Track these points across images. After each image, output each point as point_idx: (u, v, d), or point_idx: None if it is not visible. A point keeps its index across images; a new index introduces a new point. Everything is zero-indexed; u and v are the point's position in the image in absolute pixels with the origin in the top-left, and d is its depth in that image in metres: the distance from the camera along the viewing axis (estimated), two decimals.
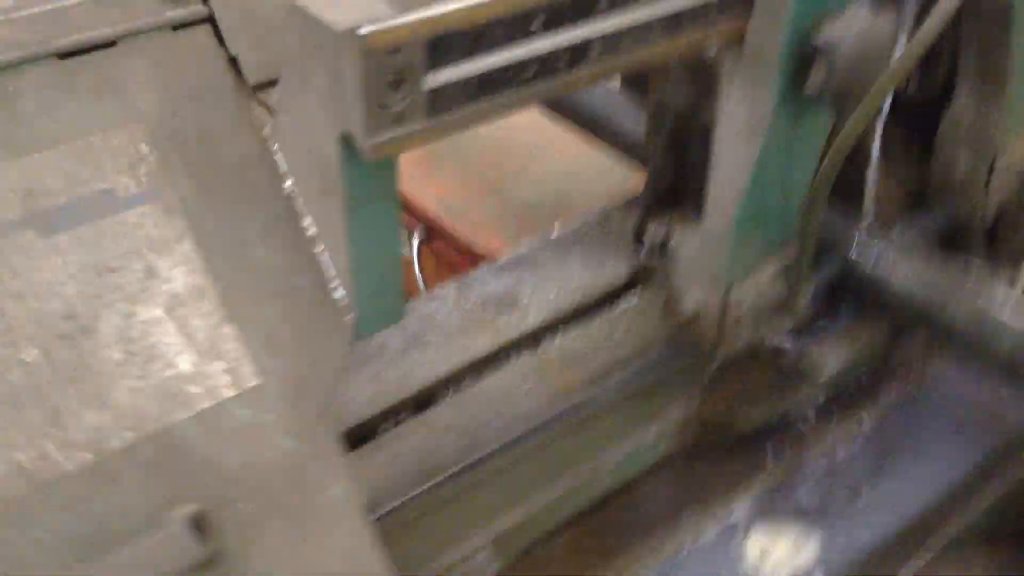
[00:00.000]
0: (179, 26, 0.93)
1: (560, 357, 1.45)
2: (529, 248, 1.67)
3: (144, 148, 0.90)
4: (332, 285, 0.98)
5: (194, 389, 0.88)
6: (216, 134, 0.94)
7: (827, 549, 1.52)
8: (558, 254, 1.64)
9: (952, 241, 1.50)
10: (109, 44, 0.89)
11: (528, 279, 1.58)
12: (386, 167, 0.91)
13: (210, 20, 0.94)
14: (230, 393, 0.89)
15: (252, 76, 0.96)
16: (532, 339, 1.48)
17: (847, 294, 1.45)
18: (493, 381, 1.42)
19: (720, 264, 1.19)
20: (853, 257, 1.40)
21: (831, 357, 1.38)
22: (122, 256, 0.87)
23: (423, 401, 1.41)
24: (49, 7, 0.89)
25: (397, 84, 0.81)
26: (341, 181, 0.89)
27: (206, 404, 0.88)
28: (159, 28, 0.92)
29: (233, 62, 0.95)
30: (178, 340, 0.88)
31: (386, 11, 0.80)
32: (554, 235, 1.70)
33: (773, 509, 1.56)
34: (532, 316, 1.50)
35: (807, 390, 1.41)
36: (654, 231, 1.55)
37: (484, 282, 1.60)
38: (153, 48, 0.92)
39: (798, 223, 1.20)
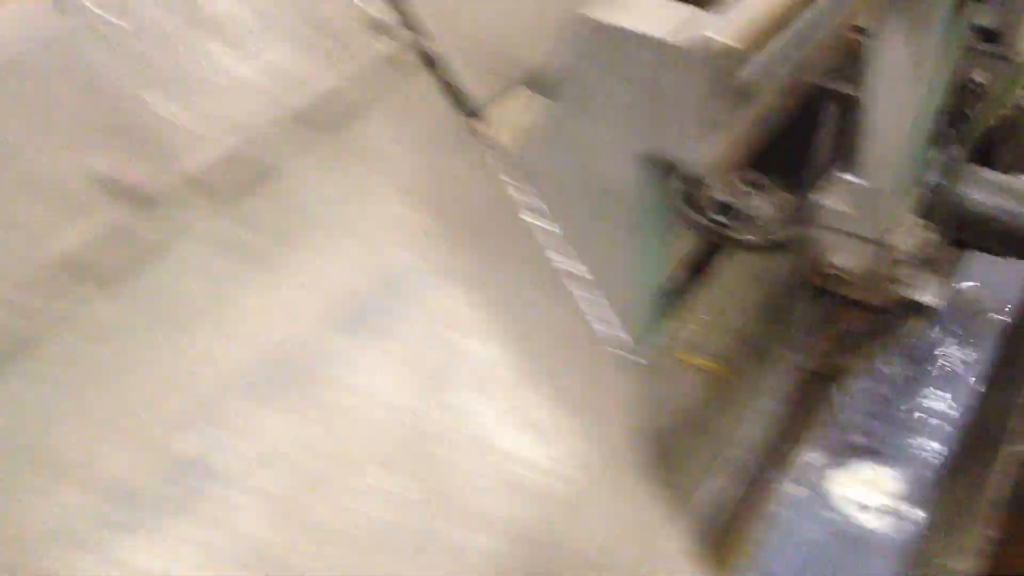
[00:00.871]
0: (393, 60, 0.81)
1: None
2: None
3: (413, 216, 0.78)
4: (595, 318, 0.89)
5: (527, 473, 0.79)
6: (461, 178, 0.83)
7: (901, 479, 1.55)
8: None
9: None
10: (349, 103, 0.76)
11: None
12: (669, 182, 0.82)
13: (422, 50, 0.82)
14: (561, 468, 0.80)
15: (469, 103, 0.85)
16: None
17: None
18: None
19: (879, 215, 1.17)
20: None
21: (944, 286, 1.39)
22: (433, 343, 0.76)
23: None
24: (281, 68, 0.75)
25: (728, 92, 0.73)
26: (637, 202, 0.80)
27: (541, 486, 0.79)
28: (378, 67, 0.79)
29: (451, 90, 0.83)
30: (501, 422, 0.78)
31: (706, 17, 0.71)
32: None
33: (840, 451, 1.58)
34: None
35: (919, 324, 1.42)
36: (731, 196, 1.51)
37: None
38: (378, 90, 0.79)
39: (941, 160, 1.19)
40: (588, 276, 0.87)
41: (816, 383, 1.56)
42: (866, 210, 1.19)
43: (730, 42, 0.69)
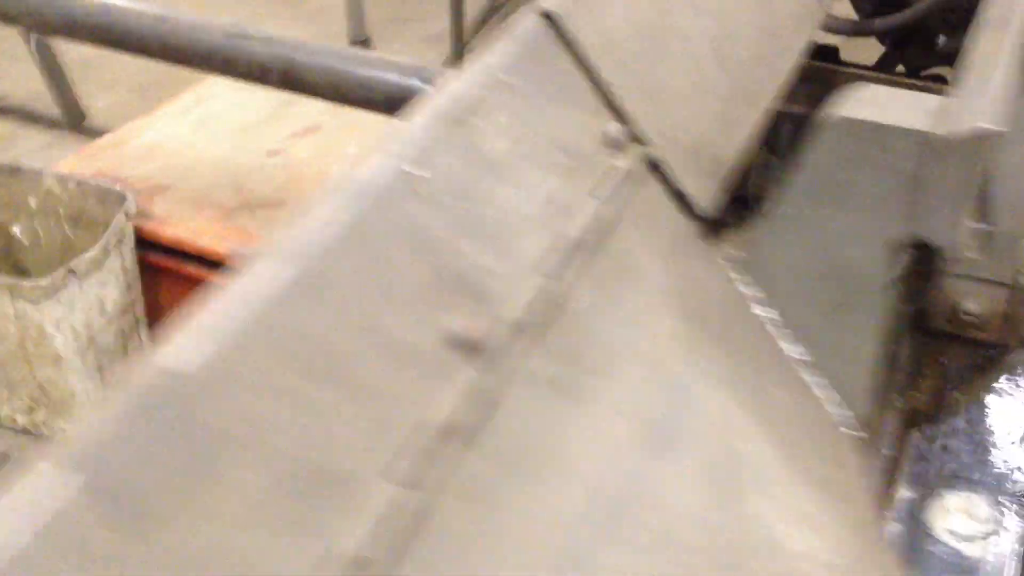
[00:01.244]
0: (628, 173, 0.82)
1: None
2: None
3: (677, 326, 0.79)
4: (826, 401, 0.90)
5: (811, 569, 0.79)
6: (700, 280, 0.84)
7: (997, 506, 1.57)
8: None
9: None
10: (605, 221, 0.77)
11: None
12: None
13: (649, 160, 0.83)
14: (836, 559, 0.80)
15: (693, 204, 0.86)
16: None
17: None
18: None
19: (1012, 259, 1.20)
20: None
21: None
22: (719, 452, 0.77)
23: None
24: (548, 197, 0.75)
25: (981, 170, 0.75)
26: (880, 286, 0.82)
27: None
28: (618, 181, 0.80)
29: (677, 195, 0.85)
30: (782, 520, 0.78)
31: (957, 104, 0.74)
32: None
33: (937, 483, 1.60)
34: None
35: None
36: None
37: None
38: (623, 204, 0.80)
39: None
40: (813, 361, 0.88)
41: (919, 421, 1.58)
42: (998, 254, 1.21)
43: (994, 128, 0.71)
